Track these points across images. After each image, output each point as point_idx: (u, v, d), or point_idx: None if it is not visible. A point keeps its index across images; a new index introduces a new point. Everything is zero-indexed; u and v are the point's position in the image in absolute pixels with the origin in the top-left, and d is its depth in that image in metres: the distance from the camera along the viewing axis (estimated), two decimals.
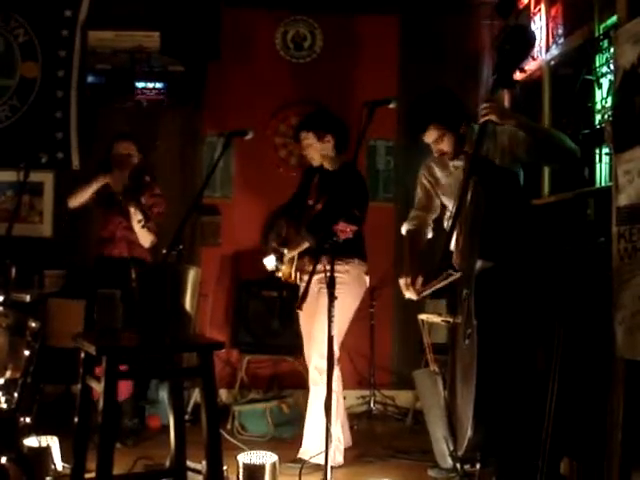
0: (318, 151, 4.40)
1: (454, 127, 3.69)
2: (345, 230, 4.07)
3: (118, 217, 4.70)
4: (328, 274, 3.26)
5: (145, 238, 4.68)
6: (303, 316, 4.37)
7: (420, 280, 3.69)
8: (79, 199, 4.75)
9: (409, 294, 3.76)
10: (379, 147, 5.91)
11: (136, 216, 4.52)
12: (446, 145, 3.72)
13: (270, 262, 4.34)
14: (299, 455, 4.18)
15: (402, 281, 3.82)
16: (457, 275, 3.32)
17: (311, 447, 4.14)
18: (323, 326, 4.02)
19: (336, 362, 4.15)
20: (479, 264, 3.28)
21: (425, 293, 3.71)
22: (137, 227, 4.59)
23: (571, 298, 3.30)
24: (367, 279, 4.38)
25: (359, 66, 5.87)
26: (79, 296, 4.66)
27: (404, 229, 4.07)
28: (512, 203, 3.41)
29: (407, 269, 3.85)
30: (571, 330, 3.27)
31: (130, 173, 4.73)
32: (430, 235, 4.07)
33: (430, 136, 3.72)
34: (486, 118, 3.42)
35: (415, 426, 5.06)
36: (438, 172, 3.92)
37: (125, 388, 4.54)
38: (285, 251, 4.30)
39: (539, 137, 3.49)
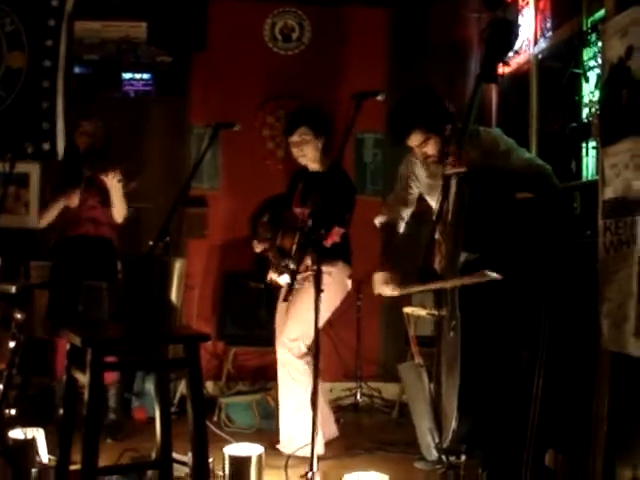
0: (314, 149, 4.37)
1: (438, 129, 3.60)
2: (335, 235, 4.08)
3: (83, 196, 4.65)
4: (314, 269, 3.26)
5: (121, 209, 4.66)
6: (280, 311, 4.38)
7: (397, 276, 3.67)
8: (48, 219, 4.78)
9: (387, 290, 3.72)
10: (367, 140, 5.90)
11: (115, 175, 4.50)
12: (431, 148, 3.64)
13: (284, 280, 4.19)
14: (278, 447, 4.22)
15: (379, 276, 3.73)
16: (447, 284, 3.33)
17: (289, 439, 4.16)
18: (296, 318, 4.07)
19: (302, 356, 4.16)
20: (463, 256, 3.28)
21: (407, 291, 3.70)
22: (116, 192, 4.56)
23: (557, 291, 3.31)
24: (349, 282, 4.37)
25: (348, 58, 5.86)
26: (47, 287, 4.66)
27: (377, 221, 4.04)
28: (496, 195, 3.40)
29: (383, 264, 3.81)
30: (557, 322, 3.28)
31: (93, 146, 4.73)
32: (402, 229, 4.04)
33: (414, 140, 3.64)
34: (456, 170, 3.34)
35: (401, 418, 5.07)
36: (420, 169, 3.89)
37: (111, 373, 4.52)
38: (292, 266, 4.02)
39: (516, 178, 3.49)
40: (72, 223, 4.70)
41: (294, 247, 4.13)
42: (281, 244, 4.25)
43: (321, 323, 4.11)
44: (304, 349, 4.16)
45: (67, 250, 4.67)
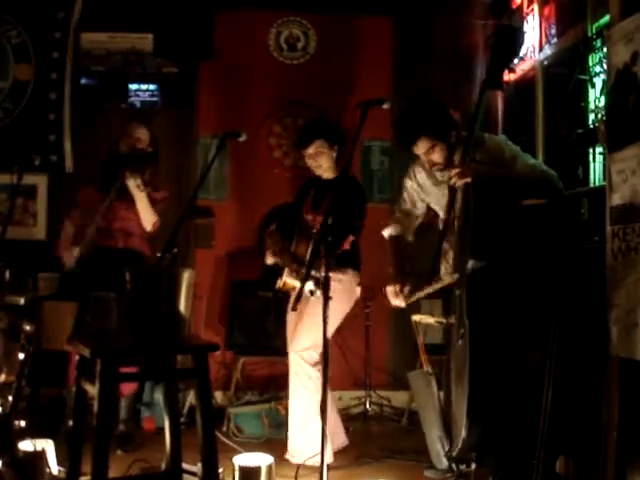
0: (329, 159, 4.37)
1: (444, 137, 3.65)
2: (346, 243, 4.09)
3: (114, 205, 4.59)
4: (323, 276, 3.25)
5: (147, 215, 4.59)
6: (291, 318, 4.37)
7: (407, 288, 3.70)
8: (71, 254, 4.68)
9: (397, 302, 3.77)
10: (374, 147, 5.91)
11: (135, 182, 4.48)
12: (437, 156, 3.67)
13: (309, 287, 4.14)
14: (287, 456, 4.21)
15: (390, 289, 3.82)
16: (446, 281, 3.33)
17: (299, 448, 4.15)
18: (308, 327, 4.06)
19: (314, 364, 4.15)
20: (470, 264, 3.28)
21: (413, 299, 3.71)
22: (138, 198, 4.53)
23: (566, 297, 3.30)
24: (358, 290, 4.38)
25: (353, 67, 5.87)
26: (73, 299, 4.64)
27: (386, 233, 4.06)
28: (503, 202, 3.41)
29: (394, 276, 3.85)
30: (566, 329, 3.27)
31: (135, 151, 4.66)
32: (412, 238, 4.06)
33: (421, 148, 3.68)
34: (463, 181, 3.37)
35: (411, 426, 5.05)
36: (425, 178, 3.91)
37: (129, 385, 4.52)
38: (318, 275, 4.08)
39: (521, 185, 3.49)
40: (103, 233, 4.63)
41: (308, 254, 4.12)
42: (295, 251, 4.24)
43: (331, 331, 4.16)
44: (316, 357, 4.15)
45: (94, 262, 4.61)
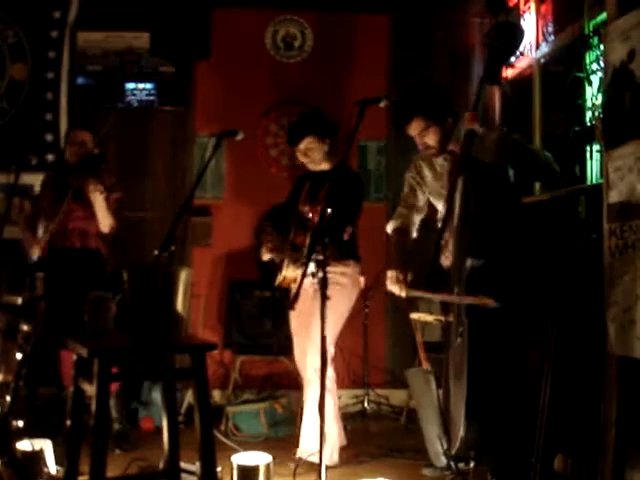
0: (320, 152, 4.36)
1: (440, 120, 3.65)
2: (345, 234, 4.08)
3: (70, 206, 4.60)
4: (328, 270, 3.24)
5: (105, 219, 4.58)
6: (294, 316, 4.36)
7: (409, 276, 3.68)
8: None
9: (396, 289, 3.73)
10: (370, 147, 5.91)
11: (96, 187, 4.46)
12: (431, 138, 3.67)
13: (311, 269, 4.08)
14: (298, 454, 4.16)
15: (391, 273, 3.74)
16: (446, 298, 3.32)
17: (309, 446, 4.13)
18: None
19: (331, 361, 4.14)
20: (469, 262, 3.28)
21: (413, 294, 3.69)
22: (98, 203, 4.52)
23: (563, 295, 3.30)
24: (362, 280, 4.38)
25: (350, 66, 5.87)
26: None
27: (389, 228, 4.05)
28: (502, 200, 3.40)
29: (396, 264, 3.82)
30: (564, 327, 3.27)
31: (84, 157, 4.67)
32: (415, 235, 4.05)
33: (415, 128, 3.67)
34: (472, 126, 3.30)
35: (409, 425, 5.06)
36: (426, 171, 3.90)
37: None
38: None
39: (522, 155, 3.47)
40: (58, 234, 4.64)
41: (307, 244, 4.12)
42: (294, 240, 4.25)
43: (342, 323, 4.21)
44: (332, 352, 4.15)
45: (54, 263, 4.62)
